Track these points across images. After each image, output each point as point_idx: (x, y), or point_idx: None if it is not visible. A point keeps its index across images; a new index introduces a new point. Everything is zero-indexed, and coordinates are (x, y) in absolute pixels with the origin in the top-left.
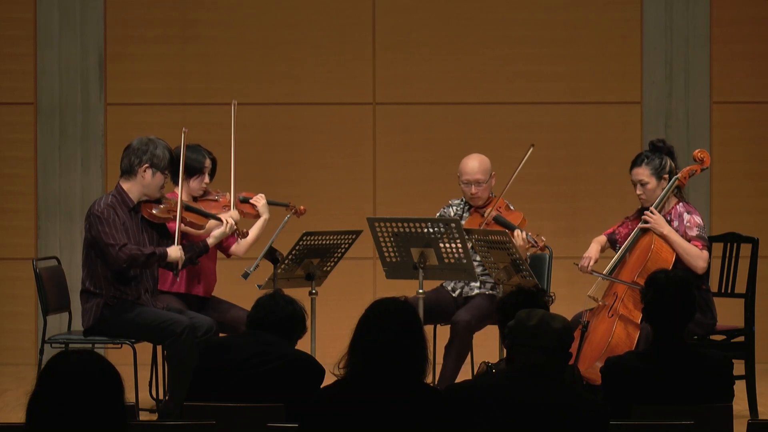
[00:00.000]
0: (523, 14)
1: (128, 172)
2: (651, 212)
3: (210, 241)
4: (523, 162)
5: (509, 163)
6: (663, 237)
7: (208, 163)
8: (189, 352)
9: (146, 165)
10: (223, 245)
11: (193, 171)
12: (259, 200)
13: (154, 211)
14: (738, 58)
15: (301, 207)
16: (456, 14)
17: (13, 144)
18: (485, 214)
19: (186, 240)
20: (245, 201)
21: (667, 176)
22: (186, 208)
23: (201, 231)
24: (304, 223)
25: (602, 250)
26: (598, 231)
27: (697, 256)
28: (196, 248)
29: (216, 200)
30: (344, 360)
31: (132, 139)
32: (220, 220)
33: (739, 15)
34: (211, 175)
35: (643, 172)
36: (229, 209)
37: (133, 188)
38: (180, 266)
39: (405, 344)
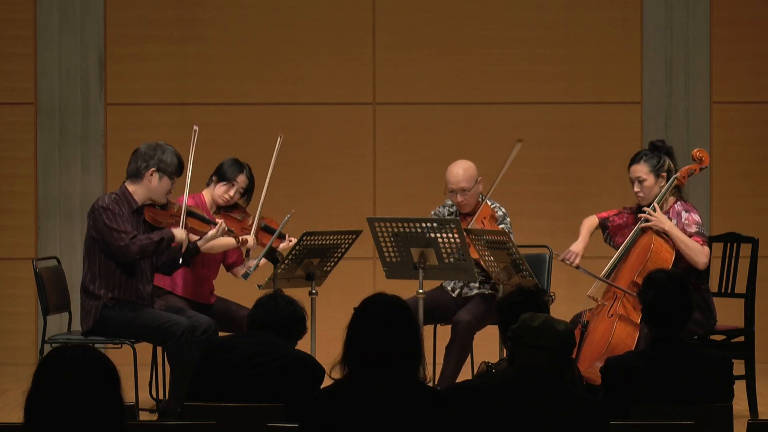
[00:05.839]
0: (523, 14)
1: (135, 175)
2: (652, 211)
3: (200, 243)
4: (510, 159)
5: None
6: (665, 233)
7: (241, 179)
8: (189, 353)
9: (153, 169)
10: (228, 262)
11: (222, 177)
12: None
13: (157, 216)
14: (738, 58)
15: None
16: (456, 14)
17: (13, 144)
18: (469, 226)
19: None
20: (266, 229)
21: (665, 174)
22: (189, 213)
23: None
24: (304, 223)
25: (591, 233)
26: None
27: (698, 252)
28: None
29: (239, 220)
30: (339, 362)
31: (132, 139)
32: (215, 224)
33: (739, 15)
34: (247, 196)
35: (642, 169)
36: (249, 232)
37: (138, 191)
38: (184, 248)
39: (398, 340)
